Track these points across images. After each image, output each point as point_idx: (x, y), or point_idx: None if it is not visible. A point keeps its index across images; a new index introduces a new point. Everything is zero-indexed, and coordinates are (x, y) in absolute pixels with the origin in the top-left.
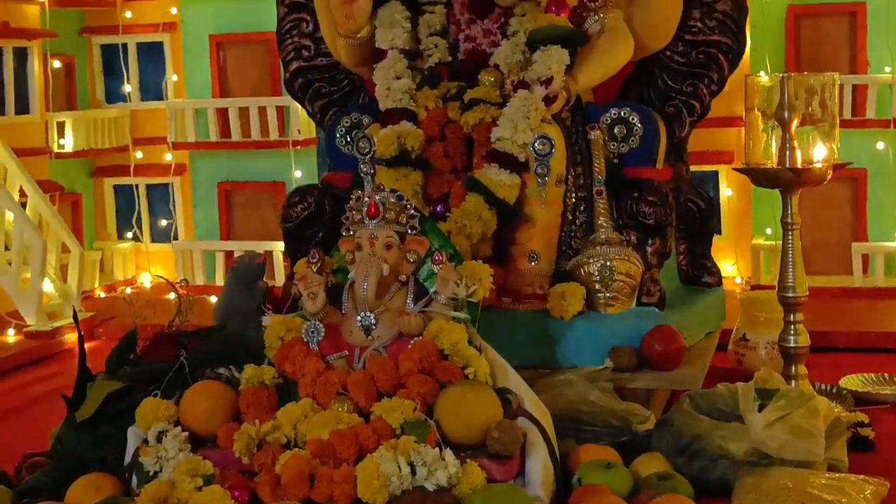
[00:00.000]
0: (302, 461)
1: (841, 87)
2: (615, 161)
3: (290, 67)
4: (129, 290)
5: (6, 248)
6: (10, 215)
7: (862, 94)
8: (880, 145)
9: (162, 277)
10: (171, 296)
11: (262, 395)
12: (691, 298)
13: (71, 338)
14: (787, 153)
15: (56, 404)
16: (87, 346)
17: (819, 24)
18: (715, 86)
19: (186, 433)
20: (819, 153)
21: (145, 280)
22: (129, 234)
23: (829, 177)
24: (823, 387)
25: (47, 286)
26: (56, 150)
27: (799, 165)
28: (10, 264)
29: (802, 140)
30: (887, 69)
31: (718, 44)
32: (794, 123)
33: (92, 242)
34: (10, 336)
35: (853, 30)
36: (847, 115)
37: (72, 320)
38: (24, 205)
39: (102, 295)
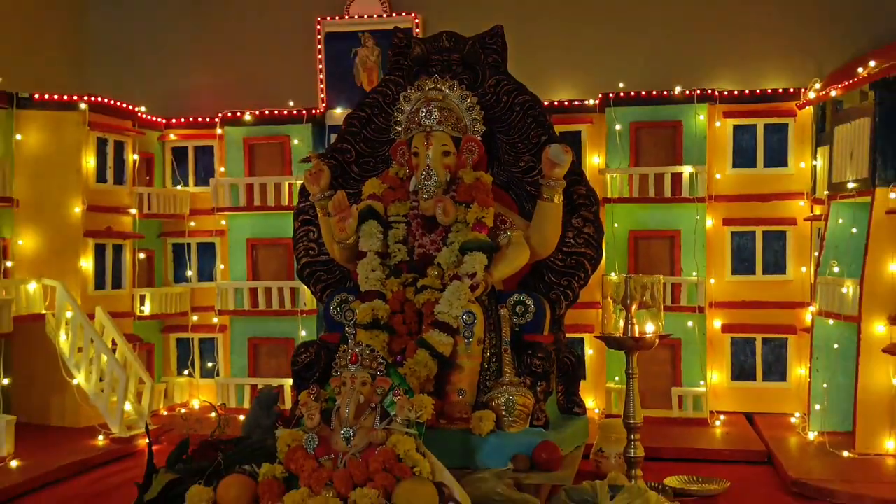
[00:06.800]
0: None
1: (664, 284)
2: (516, 329)
3: (301, 262)
4: (184, 411)
5: (101, 380)
6: (104, 357)
7: (678, 289)
8: (689, 323)
9: (207, 402)
10: (213, 415)
11: (274, 485)
12: (566, 423)
13: (142, 443)
14: (629, 327)
15: (131, 489)
16: (154, 448)
17: (650, 243)
18: (583, 281)
19: None
20: (650, 328)
21: (195, 404)
22: (186, 372)
23: (657, 344)
24: (653, 484)
25: (127, 407)
26: (138, 313)
27: (637, 336)
28: (102, 391)
29: (639, 319)
30: (693, 273)
31: (585, 254)
32: (634, 307)
33: (160, 377)
34: (101, 440)
35: (672, 248)
36: (668, 302)
37: (144, 431)
38: (114, 350)
39: (165, 413)
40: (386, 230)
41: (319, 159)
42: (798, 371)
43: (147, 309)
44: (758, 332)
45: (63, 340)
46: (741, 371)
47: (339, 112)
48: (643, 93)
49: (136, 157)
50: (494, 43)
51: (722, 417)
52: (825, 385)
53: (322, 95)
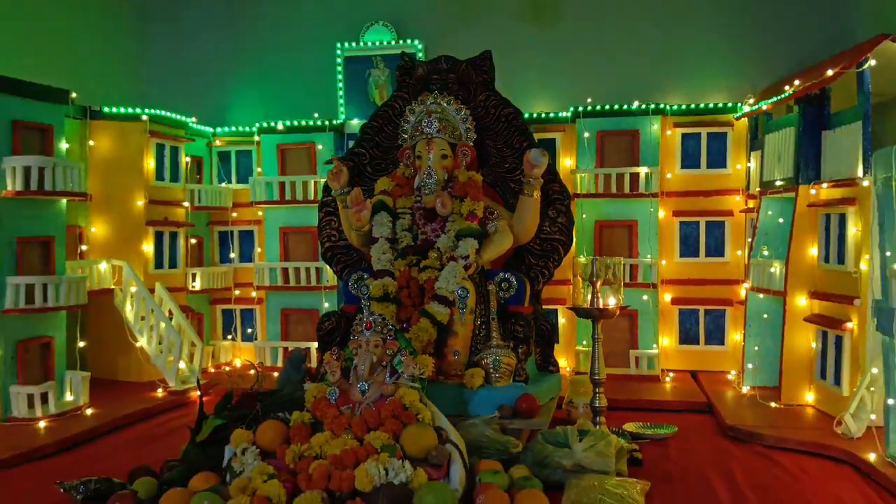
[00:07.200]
0: (324, 467)
1: (624, 265)
2: (502, 302)
3: (324, 246)
4: (228, 368)
5: (160, 343)
6: (162, 325)
7: (635, 269)
8: (644, 297)
9: (248, 361)
10: (252, 372)
11: (303, 429)
12: (543, 379)
13: (194, 395)
14: (595, 300)
15: (184, 432)
16: (204, 399)
17: (612, 231)
18: (557, 262)
19: (259, 450)
20: (612, 301)
21: (238, 363)
22: (229, 336)
23: (618, 314)
24: (614, 429)
25: (181, 365)
26: (190, 288)
27: (601, 307)
28: (161, 352)
29: (603, 293)
30: (648, 256)
31: (558, 240)
32: (599, 283)
33: (208, 340)
34: (160, 393)
35: (630, 234)
36: (628, 279)
37: (195, 385)
38: (171, 318)
39: (213, 371)
40: (394, 220)
41: (340, 161)
42: (734, 336)
43: (198, 285)
44: (701, 305)
45: (129, 310)
46: (687, 336)
47: (356, 122)
48: (607, 106)
49: (188, 159)
50: (484, 65)
51: (671, 374)
52: (756, 348)
53: (341, 109)
